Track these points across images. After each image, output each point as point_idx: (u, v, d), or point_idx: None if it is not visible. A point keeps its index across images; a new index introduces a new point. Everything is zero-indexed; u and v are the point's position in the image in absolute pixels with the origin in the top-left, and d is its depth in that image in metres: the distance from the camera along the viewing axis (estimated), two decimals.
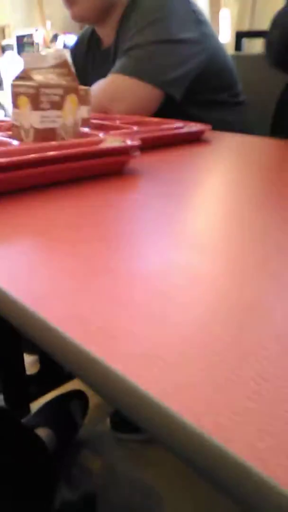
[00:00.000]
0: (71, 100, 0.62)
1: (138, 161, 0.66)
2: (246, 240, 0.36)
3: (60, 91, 0.60)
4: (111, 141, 0.62)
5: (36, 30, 8.09)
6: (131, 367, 0.20)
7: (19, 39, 10.18)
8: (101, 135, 0.65)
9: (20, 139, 0.61)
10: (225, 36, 5.80)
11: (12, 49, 7.78)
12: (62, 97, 0.61)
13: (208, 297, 0.26)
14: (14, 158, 0.49)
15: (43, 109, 0.59)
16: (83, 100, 0.82)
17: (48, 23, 7.57)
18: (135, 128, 0.81)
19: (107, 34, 1.26)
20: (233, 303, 0.25)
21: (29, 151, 0.54)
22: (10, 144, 0.58)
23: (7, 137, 0.62)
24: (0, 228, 0.40)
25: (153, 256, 0.33)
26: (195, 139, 0.91)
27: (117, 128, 0.82)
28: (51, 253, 0.34)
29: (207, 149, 0.84)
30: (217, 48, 1.16)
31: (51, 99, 0.60)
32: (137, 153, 0.61)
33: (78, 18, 1.20)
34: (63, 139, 0.62)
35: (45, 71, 0.61)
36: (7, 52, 7.02)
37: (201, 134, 0.93)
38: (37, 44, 8.38)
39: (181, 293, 0.27)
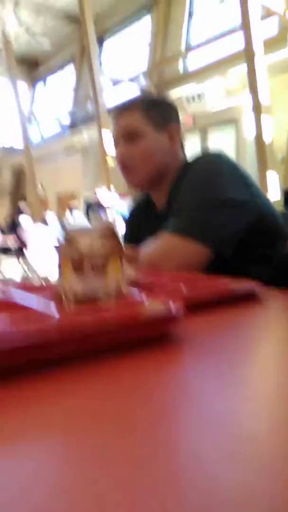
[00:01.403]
0: (114, 265, 0.61)
1: (184, 324, 0.61)
2: None
3: (103, 257, 0.59)
4: (153, 305, 0.58)
5: (102, 192, 9.05)
6: None
7: (86, 201, 11.41)
8: (144, 298, 0.62)
9: (62, 304, 0.59)
10: (274, 195, 6.17)
11: (80, 209, 8.64)
12: (106, 262, 0.60)
13: None
14: (49, 336, 0.46)
15: (85, 274, 0.58)
16: (131, 260, 0.82)
17: (112, 186, 8.45)
18: (182, 286, 0.78)
19: (160, 197, 1.33)
20: None
21: (65, 327, 0.51)
22: (49, 316, 0.55)
23: (48, 300, 0.61)
24: (19, 418, 0.34)
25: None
26: (246, 296, 0.86)
27: (164, 287, 0.80)
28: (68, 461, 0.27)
29: (261, 309, 0.78)
30: (266, 207, 1.19)
31: (94, 264, 0.58)
32: (180, 319, 0.56)
33: (134, 186, 1.30)
34: (104, 304, 0.59)
35: (90, 237, 0.61)
36: (74, 212, 7.77)
37: (253, 292, 0.88)
38: (101, 205, 9.30)
39: None
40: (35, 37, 12.24)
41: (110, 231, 0.62)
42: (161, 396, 0.38)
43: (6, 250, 8.97)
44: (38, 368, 0.44)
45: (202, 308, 0.75)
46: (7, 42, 11.73)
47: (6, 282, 0.77)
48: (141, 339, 0.54)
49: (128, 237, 1.46)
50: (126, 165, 1.23)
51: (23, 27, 11.97)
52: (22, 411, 0.35)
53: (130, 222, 1.46)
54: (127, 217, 1.49)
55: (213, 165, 1.18)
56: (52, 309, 0.56)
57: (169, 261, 1.09)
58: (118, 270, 0.61)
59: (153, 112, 1.21)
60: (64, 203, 11.56)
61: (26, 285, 0.72)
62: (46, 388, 0.41)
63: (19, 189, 15.32)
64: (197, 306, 0.75)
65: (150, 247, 1.13)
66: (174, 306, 0.58)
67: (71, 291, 0.58)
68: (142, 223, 1.41)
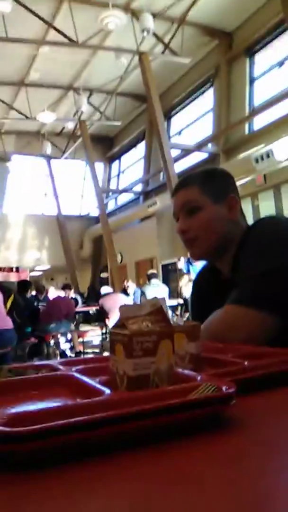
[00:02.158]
0: (165, 346, 0.62)
1: (242, 406, 0.59)
2: None
3: (153, 338, 0.61)
4: (206, 387, 0.57)
5: (178, 259, 9.16)
6: None
7: (164, 267, 11.57)
8: (198, 379, 0.61)
9: (115, 385, 0.61)
10: None
11: (157, 277, 8.75)
12: (156, 344, 0.61)
13: None
14: (93, 417, 0.47)
15: (136, 357, 0.59)
16: (192, 336, 0.82)
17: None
18: (244, 363, 0.76)
19: (225, 265, 1.33)
20: None
21: (115, 403, 0.52)
22: (101, 394, 0.57)
23: (103, 383, 0.62)
24: None
25: None
26: None
27: (225, 364, 0.78)
28: None
29: None
30: None
31: (144, 346, 0.60)
32: (233, 402, 0.55)
33: (198, 257, 1.31)
34: (156, 385, 0.60)
35: (140, 319, 0.63)
36: (152, 280, 7.88)
37: None
38: (180, 269, 9.37)
39: None
40: (108, 120, 13.25)
41: (159, 313, 0.64)
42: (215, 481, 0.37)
43: (87, 318, 9.22)
44: (102, 450, 0.45)
45: (264, 386, 0.72)
46: (83, 127, 12.82)
47: (69, 361, 0.81)
48: (193, 421, 0.54)
49: (195, 308, 1.46)
50: (188, 238, 1.26)
51: (97, 112, 13.07)
52: (88, 493, 0.36)
53: (196, 292, 1.47)
54: (192, 289, 1.49)
55: (272, 229, 1.17)
56: (106, 390, 0.58)
57: (234, 334, 1.07)
58: (169, 351, 0.62)
59: (210, 185, 1.24)
60: (142, 271, 11.81)
61: (87, 367, 0.75)
62: (110, 471, 0.41)
63: (99, 258, 15.97)
64: (260, 383, 0.72)
65: (214, 320, 1.12)
66: (228, 388, 0.57)
67: (124, 374, 0.59)
68: (208, 292, 1.40)
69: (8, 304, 5.40)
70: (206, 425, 0.53)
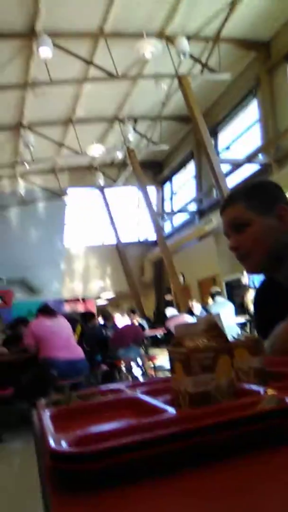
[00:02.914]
0: (223, 361, 0.62)
1: None
2: None
3: (211, 354, 0.62)
4: (269, 401, 0.57)
5: (242, 274, 8.99)
6: None
7: (227, 284, 11.39)
8: (261, 391, 0.61)
9: (178, 403, 0.62)
10: None
11: (221, 294, 8.62)
12: (214, 360, 0.62)
13: None
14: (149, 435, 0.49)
15: (195, 374, 0.60)
16: (254, 350, 0.82)
17: None
18: None
19: (283, 277, 1.31)
20: None
21: (180, 421, 0.53)
22: (166, 413, 0.58)
23: (167, 402, 0.64)
24: None
25: None
26: None
27: None
28: None
29: None
30: None
31: (203, 363, 0.61)
32: None
33: (252, 272, 1.31)
34: (218, 401, 0.60)
35: (196, 337, 0.64)
36: (217, 298, 7.78)
37: None
38: (244, 285, 9.18)
39: None
40: (155, 144, 13.48)
41: (214, 329, 0.65)
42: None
43: (156, 342, 9.22)
44: (168, 468, 0.46)
45: None
46: (132, 155, 13.13)
47: (134, 384, 0.83)
48: (257, 434, 0.53)
49: (258, 321, 1.43)
50: (240, 254, 1.26)
51: (144, 139, 13.35)
52: (167, 506, 0.38)
53: (258, 305, 1.45)
54: (254, 300, 1.47)
55: None
56: (169, 408, 0.59)
57: None
58: (229, 366, 0.63)
59: (255, 199, 1.24)
60: (205, 289, 11.70)
61: (151, 388, 0.77)
62: (181, 485, 0.43)
63: (161, 281, 16.02)
64: None
65: (278, 334, 1.10)
66: None
67: (185, 392, 0.61)
68: (271, 304, 1.38)
69: (77, 334, 5.56)
70: (271, 438, 0.53)
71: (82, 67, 9.41)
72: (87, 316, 6.99)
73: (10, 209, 14.65)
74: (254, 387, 0.65)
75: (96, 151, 11.74)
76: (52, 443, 0.46)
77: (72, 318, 5.91)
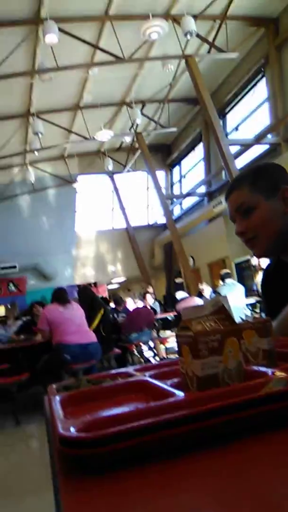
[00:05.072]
0: (231, 343, 0.62)
1: None
2: None
3: (218, 337, 0.61)
4: (276, 382, 0.57)
5: (252, 255, 8.96)
6: None
7: (237, 266, 11.36)
8: (270, 373, 0.61)
9: (186, 386, 0.62)
10: None
11: (231, 276, 8.60)
12: (221, 342, 0.62)
13: None
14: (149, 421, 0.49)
15: (202, 357, 0.60)
16: (262, 332, 0.81)
17: None
18: None
19: None
20: None
21: (189, 403, 0.53)
22: (175, 396, 0.58)
23: (175, 385, 0.64)
24: None
25: None
26: None
27: None
28: None
29: None
30: None
31: (210, 346, 0.61)
32: None
33: (260, 256, 1.30)
34: (227, 383, 0.60)
35: (203, 320, 0.64)
36: (226, 280, 7.76)
37: None
38: (254, 266, 9.16)
39: None
40: (163, 127, 13.34)
41: (221, 311, 0.65)
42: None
43: (166, 324, 9.26)
44: (176, 451, 0.47)
45: None
46: (140, 139, 13.03)
47: (143, 367, 0.83)
48: (265, 416, 0.53)
49: (267, 302, 1.43)
50: (247, 239, 1.25)
51: (152, 122, 13.22)
52: (176, 488, 0.38)
53: (267, 286, 1.44)
54: (262, 284, 1.47)
55: None
56: (177, 392, 0.59)
57: None
58: (236, 348, 0.63)
59: (260, 182, 1.22)
60: (215, 272, 11.68)
61: (160, 371, 0.77)
62: (190, 468, 0.43)
63: (171, 264, 16.02)
64: None
65: (286, 314, 1.10)
66: None
67: (193, 375, 0.61)
68: (279, 285, 1.38)
69: (98, 318, 5.61)
70: (280, 421, 0.53)
71: (88, 51, 9.30)
72: (107, 301, 7.10)
73: (21, 197, 14.69)
74: (263, 369, 0.65)
75: (104, 136, 11.66)
76: (60, 428, 0.47)
77: (98, 303, 5.97)
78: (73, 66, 9.10)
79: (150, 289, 9.72)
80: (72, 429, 0.46)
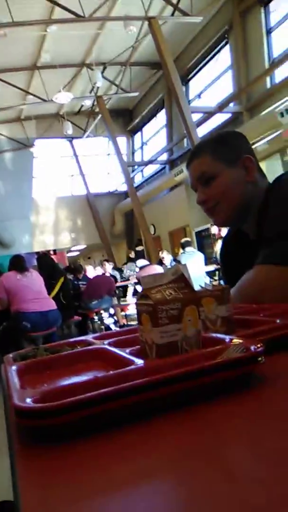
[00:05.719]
0: (190, 312, 0.62)
1: (275, 365, 0.59)
2: None
3: (177, 305, 0.61)
4: (234, 349, 0.58)
5: (211, 225, 9.06)
6: None
7: (198, 234, 11.49)
8: (227, 340, 0.62)
9: (146, 354, 0.62)
10: None
11: (191, 244, 8.70)
12: (181, 310, 0.61)
13: None
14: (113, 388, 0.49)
15: (162, 325, 0.60)
16: (221, 299, 0.82)
17: None
18: (277, 321, 0.76)
19: (250, 228, 1.31)
20: None
21: (149, 370, 0.53)
22: (134, 364, 0.58)
23: (134, 353, 0.64)
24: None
25: None
26: None
27: (257, 323, 0.78)
28: None
29: None
30: None
31: (169, 314, 0.61)
32: (262, 361, 0.55)
33: (221, 225, 1.31)
34: (186, 351, 0.60)
35: (163, 288, 0.63)
36: (187, 248, 7.85)
37: None
38: (213, 235, 9.30)
39: None
40: (125, 92, 13.05)
41: (181, 280, 0.64)
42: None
43: (126, 293, 9.33)
44: (133, 419, 0.47)
45: None
46: (101, 103, 12.70)
47: (102, 335, 0.83)
48: (223, 383, 0.54)
49: (225, 269, 1.45)
50: (208, 207, 1.25)
51: (113, 86, 12.88)
52: (132, 454, 0.38)
53: (225, 254, 1.46)
54: (221, 250, 1.48)
55: None
56: (137, 360, 0.59)
57: (267, 293, 1.07)
58: (195, 316, 0.63)
59: (221, 151, 1.22)
60: (176, 240, 11.79)
61: (119, 339, 0.77)
62: (148, 433, 0.43)
63: (132, 232, 16.02)
64: None
65: (245, 282, 1.12)
66: (256, 348, 0.57)
67: (152, 343, 0.61)
68: (237, 253, 1.39)
69: (58, 286, 5.56)
70: (237, 386, 0.54)
71: (46, 7, 8.85)
72: (73, 270, 7.14)
73: None
74: (221, 336, 0.65)
75: (63, 98, 11.27)
76: (16, 399, 0.46)
77: (58, 271, 5.91)
78: (30, 22, 8.65)
79: (161, 254, 9.50)
80: (28, 400, 0.45)
